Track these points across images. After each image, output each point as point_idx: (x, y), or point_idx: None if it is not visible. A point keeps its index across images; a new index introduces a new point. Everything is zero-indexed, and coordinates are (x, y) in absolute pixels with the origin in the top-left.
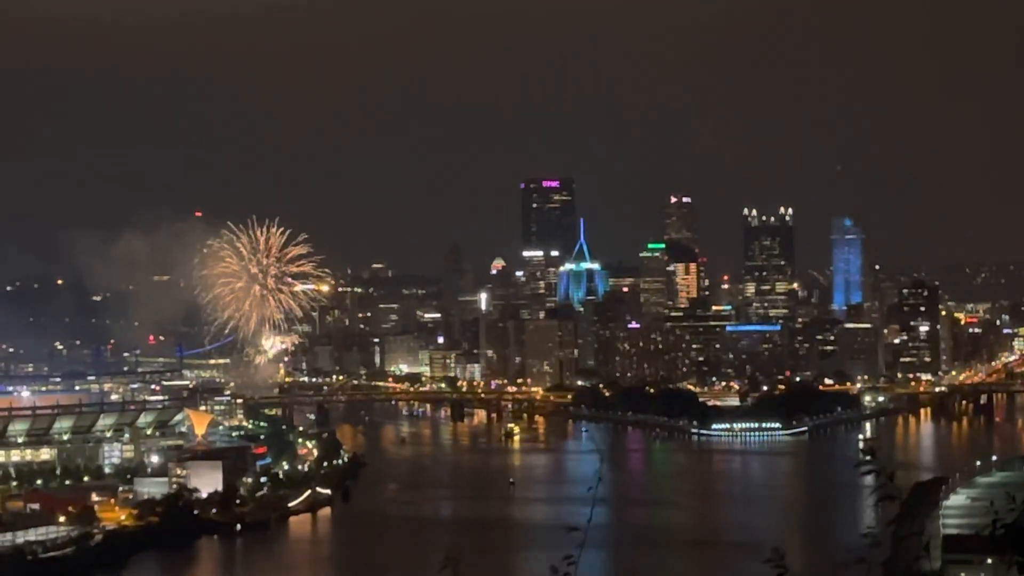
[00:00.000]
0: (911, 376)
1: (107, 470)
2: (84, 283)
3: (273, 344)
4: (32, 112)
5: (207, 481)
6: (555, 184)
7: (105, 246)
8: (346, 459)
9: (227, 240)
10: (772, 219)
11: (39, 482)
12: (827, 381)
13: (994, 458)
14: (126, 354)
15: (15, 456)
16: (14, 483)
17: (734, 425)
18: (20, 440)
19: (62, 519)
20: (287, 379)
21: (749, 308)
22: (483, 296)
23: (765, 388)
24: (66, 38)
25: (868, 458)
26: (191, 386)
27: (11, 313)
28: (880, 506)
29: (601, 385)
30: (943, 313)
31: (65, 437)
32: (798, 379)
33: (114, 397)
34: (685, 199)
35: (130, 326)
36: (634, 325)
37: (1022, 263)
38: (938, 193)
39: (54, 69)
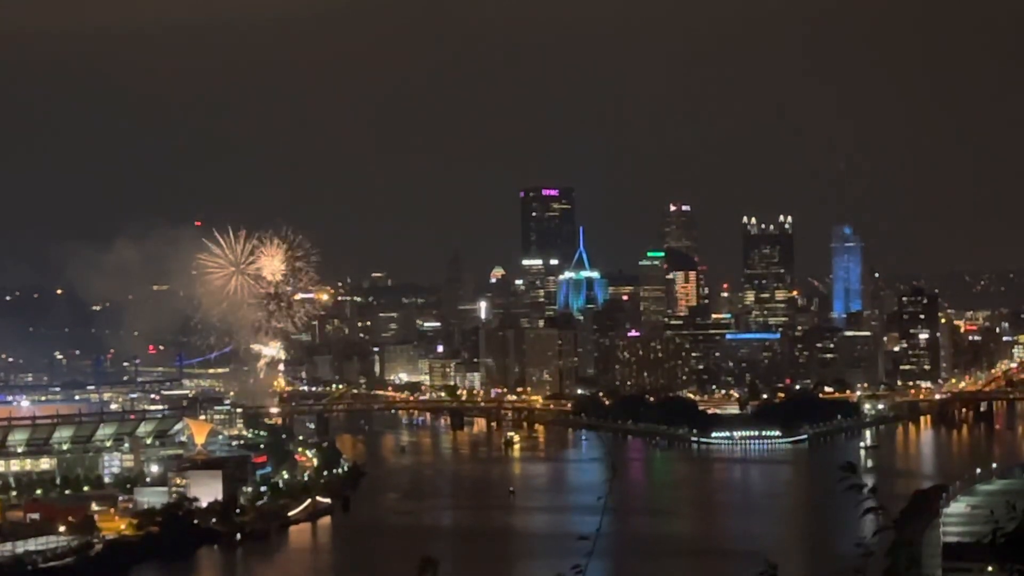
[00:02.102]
0: (911, 384)
1: (107, 480)
2: (80, 293)
3: (270, 349)
4: (30, 117)
5: (207, 490)
6: (554, 192)
7: (98, 256)
8: (346, 468)
9: (221, 251)
10: (771, 227)
11: (39, 492)
12: (827, 389)
13: (994, 466)
14: (125, 364)
15: (15, 466)
16: (14, 493)
17: (734, 433)
18: (20, 450)
19: (62, 529)
20: (287, 388)
21: (749, 316)
22: (483, 305)
23: (765, 396)
24: (64, 45)
25: (849, 474)
26: (191, 395)
27: (10, 323)
28: (870, 518)
29: (601, 394)
30: (943, 321)
31: (65, 447)
32: (798, 387)
33: (114, 407)
34: (684, 207)
35: (129, 336)
36: (634, 333)
37: (1021, 271)
38: (938, 201)
39: (53, 76)
